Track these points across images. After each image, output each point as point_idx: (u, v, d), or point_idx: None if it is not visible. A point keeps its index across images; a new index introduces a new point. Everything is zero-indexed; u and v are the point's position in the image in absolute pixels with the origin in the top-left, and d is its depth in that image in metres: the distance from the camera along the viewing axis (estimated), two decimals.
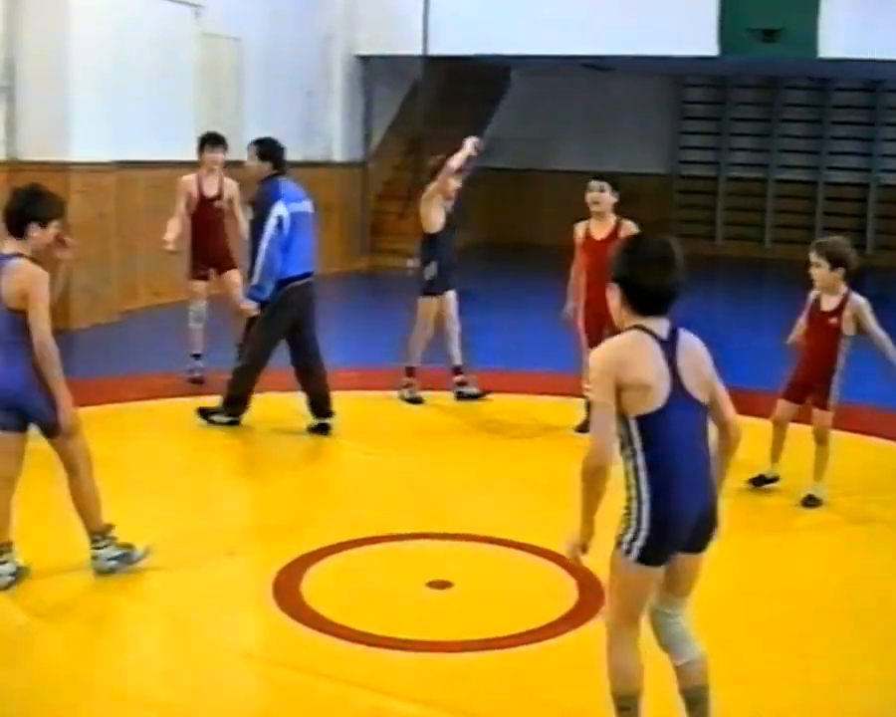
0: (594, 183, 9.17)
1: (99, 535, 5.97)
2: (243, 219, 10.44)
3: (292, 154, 17.53)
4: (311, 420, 8.99)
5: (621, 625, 4.31)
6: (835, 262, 7.32)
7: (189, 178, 10.75)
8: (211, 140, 10.92)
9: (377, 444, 8.76)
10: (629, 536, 4.11)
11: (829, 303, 7.42)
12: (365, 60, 19.27)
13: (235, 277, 10.59)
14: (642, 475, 4.06)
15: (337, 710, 4.77)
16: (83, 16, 13.30)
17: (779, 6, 16.81)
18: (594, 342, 8.25)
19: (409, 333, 10.32)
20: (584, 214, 9.34)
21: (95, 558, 5.98)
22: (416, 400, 10.05)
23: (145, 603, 5.80)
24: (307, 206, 9.27)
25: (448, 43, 18.24)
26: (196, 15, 15.44)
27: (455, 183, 10.23)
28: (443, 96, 20.90)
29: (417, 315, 10.31)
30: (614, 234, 8.79)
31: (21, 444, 5.79)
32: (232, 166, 11.07)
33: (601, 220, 9.09)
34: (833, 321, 7.39)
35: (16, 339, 5.60)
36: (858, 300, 7.39)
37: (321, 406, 9.04)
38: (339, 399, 10.38)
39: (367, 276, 19.38)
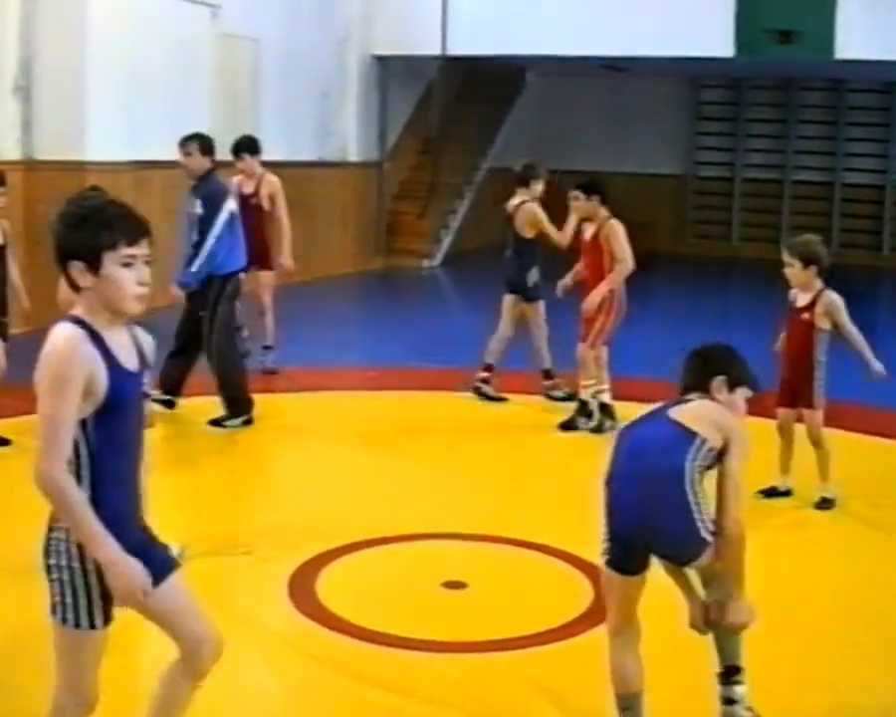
0: (570, 192, 9.47)
1: None
2: (285, 217, 10.90)
3: (307, 154, 17.85)
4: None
5: (615, 628, 4.44)
6: (807, 261, 7.35)
7: (234, 179, 10.93)
8: (236, 150, 11.08)
9: (392, 444, 8.77)
10: (603, 544, 4.49)
11: (802, 299, 7.43)
12: (382, 60, 19.27)
13: (267, 279, 10.97)
14: None
15: (353, 709, 4.78)
16: (99, 15, 13.34)
17: (795, 7, 16.78)
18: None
19: (529, 338, 10.39)
20: None
21: None
22: (568, 398, 9.93)
23: None
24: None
25: (465, 43, 18.23)
26: (213, 15, 15.46)
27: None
28: (459, 96, 20.91)
29: (534, 320, 10.28)
30: (596, 234, 9.24)
31: None
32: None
33: (588, 221, 9.42)
34: (806, 316, 7.38)
35: None
36: (832, 296, 7.37)
37: (173, 386, 9.25)
38: (352, 399, 10.43)
39: (382, 276, 19.39)
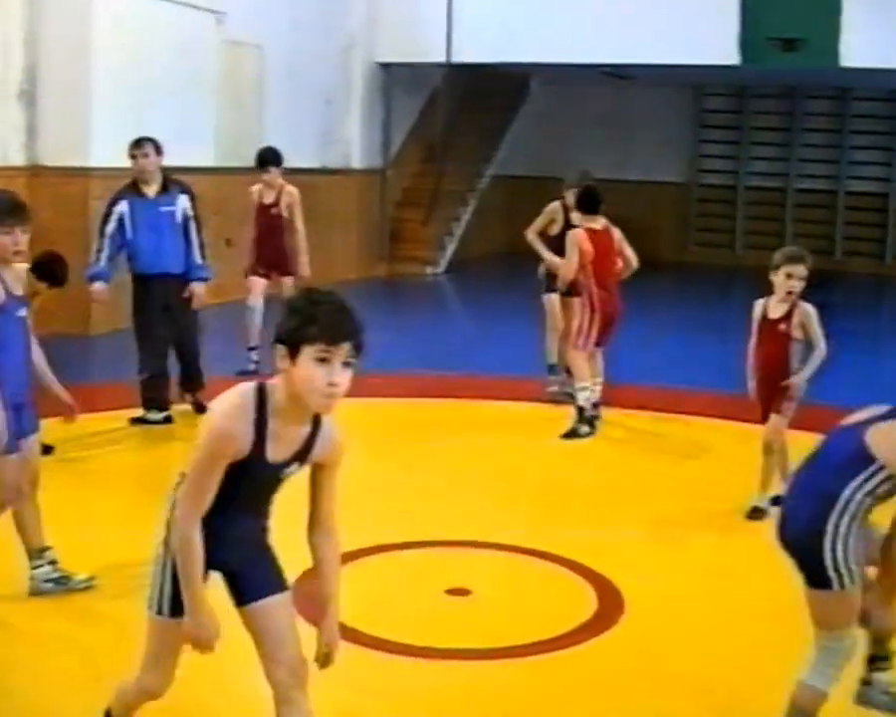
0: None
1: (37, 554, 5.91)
2: (301, 227, 11.18)
3: (311, 161, 17.85)
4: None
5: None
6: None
7: (255, 187, 11.38)
8: (262, 163, 11.30)
9: (396, 451, 8.77)
10: None
11: (777, 310, 7.31)
12: (386, 67, 19.30)
13: (287, 284, 11.21)
14: None
15: (350, 714, 4.77)
16: (104, 21, 13.37)
17: (800, 16, 16.79)
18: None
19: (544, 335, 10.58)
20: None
21: (32, 578, 5.90)
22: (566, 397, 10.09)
23: None
24: None
25: (469, 51, 18.27)
26: (218, 22, 15.47)
27: None
28: (463, 103, 20.93)
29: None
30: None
31: None
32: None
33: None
34: (783, 327, 7.30)
35: None
36: (807, 306, 7.30)
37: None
38: (357, 406, 10.41)
39: (386, 283, 19.40)
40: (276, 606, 3.83)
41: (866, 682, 4.59)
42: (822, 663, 4.20)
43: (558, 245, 10.12)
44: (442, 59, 18.55)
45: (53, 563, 5.89)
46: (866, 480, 4.08)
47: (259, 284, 11.33)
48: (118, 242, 9.31)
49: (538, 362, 10.75)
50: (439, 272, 20.32)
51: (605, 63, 18.41)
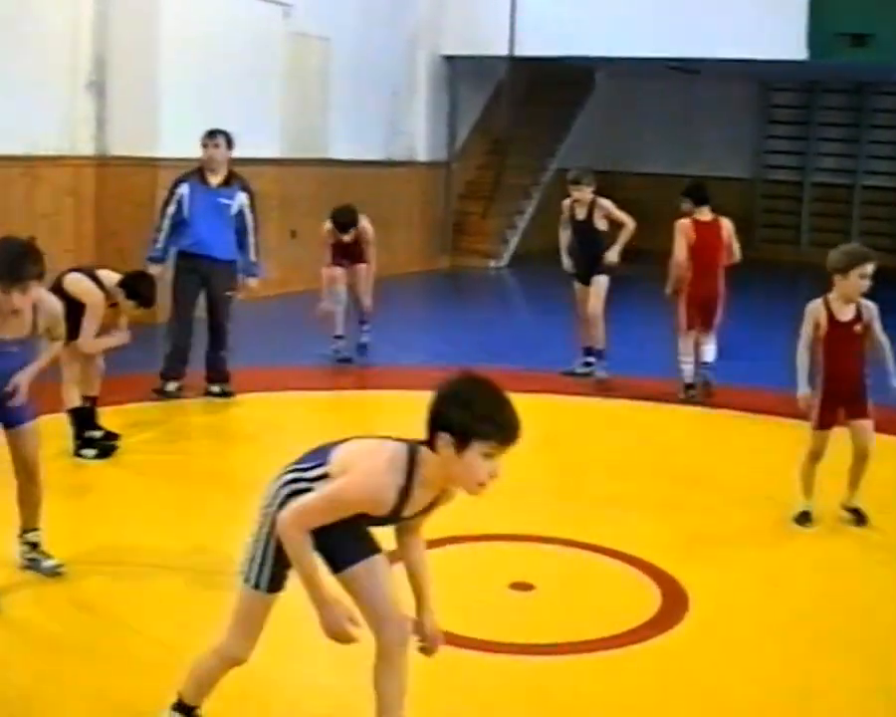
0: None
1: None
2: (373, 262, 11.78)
3: (376, 154, 17.89)
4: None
5: None
6: None
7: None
8: (344, 228, 11.61)
9: None
10: None
11: (847, 312, 7.07)
12: (451, 60, 19.30)
13: (363, 270, 11.76)
14: None
15: (416, 709, 4.76)
16: (173, 13, 13.48)
17: (869, 11, 16.61)
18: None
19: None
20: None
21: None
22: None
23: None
24: None
25: (534, 44, 18.22)
26: (285, 15, 15.54)
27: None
28: (527, 96, 20.89)
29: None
30: None
31: None
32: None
33: None
34: (857, 328, 7.07)
35: None
36: (870, 304, 7.12)
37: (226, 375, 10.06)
38: (418, 399, 10.44)
39: (449, 275, 19.41)
40: (373, 568, 3.98)
41: None
42: None
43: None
44: (506, 52, 18.53)
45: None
46: None
47: (340, 272, 11.67)
48: (177, 222, 9.83)
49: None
50: (502, 265, 20.30)
51: (671, 56, 18.32)
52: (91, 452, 8.02)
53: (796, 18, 16.86)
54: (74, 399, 8.01)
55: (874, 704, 4.96)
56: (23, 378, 5.69)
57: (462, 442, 3.59)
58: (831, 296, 7.10)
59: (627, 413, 10.04)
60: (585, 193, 10.61)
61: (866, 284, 7.03)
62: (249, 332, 12.99)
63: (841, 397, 7.16)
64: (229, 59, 14.28)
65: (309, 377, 10.79)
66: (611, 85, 22.64)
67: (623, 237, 10.65)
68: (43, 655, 5.13)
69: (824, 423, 7.20)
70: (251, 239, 10.01)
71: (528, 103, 20.86)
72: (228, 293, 9.99)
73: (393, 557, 4.08)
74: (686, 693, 5.01)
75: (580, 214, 10.77)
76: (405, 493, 3.73)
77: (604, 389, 10.57)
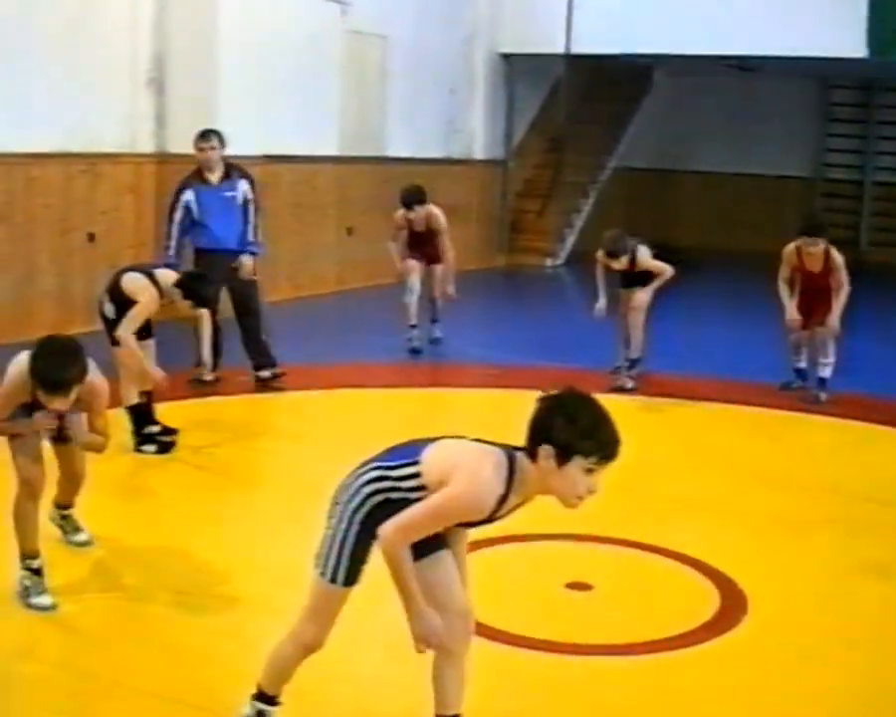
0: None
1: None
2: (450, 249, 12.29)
3: (433, 151, 17.91)
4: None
5: None
6: None
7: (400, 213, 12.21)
8: (408, 204, 11.99)
9: (513, 441, 8.75)
10: None
11: None
12: (508, 58, 19.29)
13: (439, 271, 12.29)
14: None
15: (471, 706, 4.77)
16: (231, 10, 13.54)
17: None
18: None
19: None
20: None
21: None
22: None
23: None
24: None
25: (591, 42, 18.18)
26: (343, 13, 15.58)
27: None
28: (585, 94, 20.84)
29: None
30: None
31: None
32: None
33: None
34: None
35: None
36: None
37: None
38: (477, 396, 10.46)
39: (505, 274, 19.40)
40: (439, 562, 4.03)
41: None
42: None
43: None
44: (563, 50, 18.49)
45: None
46: None
47: (416, 267, 12.05)
48: (185, 227, 10.23)
49: (653, 357, 10.75)
50: (558, 264, 20.26)
51: (729, 54, 18.21)
52: (151, 448, 8.09)
53: (856, 15, 16.71)
54: (132, 397, 8.08)
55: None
56: (78, 428, 5.63)
57: (564, 456, 3.68)
58: None
59: (681, 413, 9.99)
60: (623, 262, 10.40)
61: None
62: (306, 329, 13.07)
63: None
64: (287, 56, 14.34)
65: (365, 375, 10.82)
66: (669, 83, 22.51)
67: (659, 281, 10.44)
68: (95, 651, 5.18)
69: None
70: (251, 221, 10.35)
71: (585, 100, 20.80)
72: (252, 277, 10.32)
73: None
74: (742, 697, 4.97)
75: (619, 266, 10.54)
76: (502, 500, 3.79)
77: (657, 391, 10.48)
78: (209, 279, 8.49)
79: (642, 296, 10.50)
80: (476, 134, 19.09)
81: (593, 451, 3.66)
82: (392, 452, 4.01)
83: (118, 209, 13.06)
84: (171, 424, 8.37)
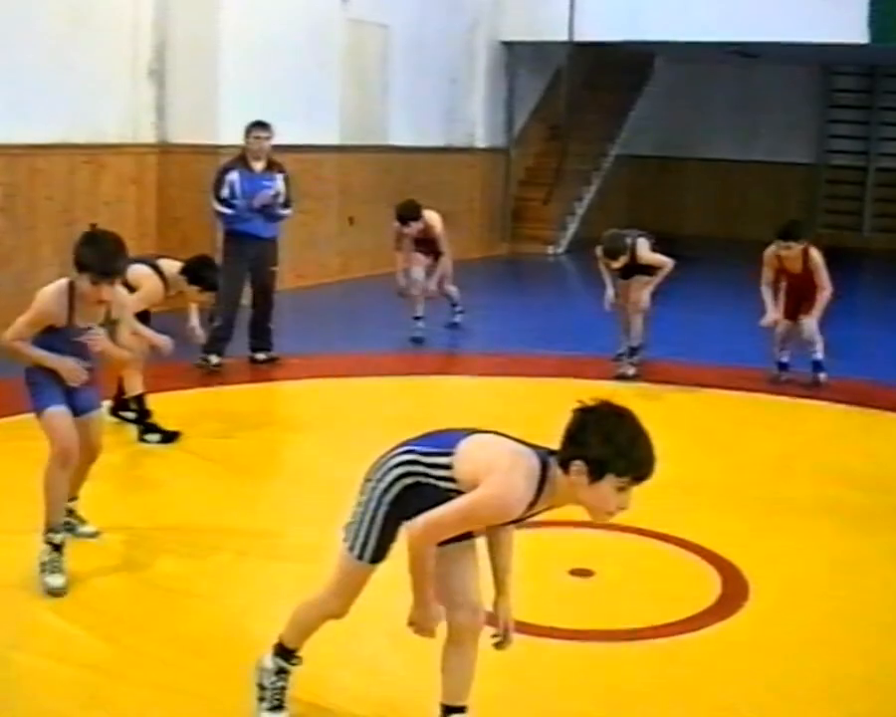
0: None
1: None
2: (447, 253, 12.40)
3: (435, 140, 17.90)
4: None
5: None
6: None
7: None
8: (402, 220, 12.13)
9: (518, 431, 8.75)
10: None
11: None
12: (510, 46, 19.27)
13: (439, 267, 12.40)
14: None
15: (479, 694, 4.79)
16: (232, 1, 13.55)
17: None
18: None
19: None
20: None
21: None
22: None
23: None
24: None
25: (593, 29, 18.18)
26: (344, 2, 15.57)
27: None
28: (586, 82, 20.83)
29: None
30: None
31: None
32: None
33: None
34: None
35: None
36: None
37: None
38: (482, 384, 10.47)
39: (508, 262, 19.40)
40: (461, 553, 4.05)
41: None
42: None
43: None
44: (565, 37, 18.48)
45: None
46: None
47: (421, 257, 12.24)
48: (231, 203, 10.54)
49: (654, 345, 10.76)
50: (560, 252, 20.27)
51: (731, 41, 18.20)
52: (154, 437, 8.11)
53: (858, 1, 16.70)
54: (136, 387, 8.10)
55: None
56: (103, 342, 5.80)
57: (597, 474, 3.67)
58: None
59: (683, 400, 10.00)
60: (621, 261, 10.43)
61: None
62: (308, 318, 13.08)
63: None
64: (288, 46, 14.34)
65: (367, 364, 10.84)
66: (671, 70, 22.51)
67: (659, 278, 10.46)
68: (116, 634, 5.20)
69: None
70: (282, 212, 10.80)
71: (587, 88, 20.80)
72: (273, 268, 10.77)
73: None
74: (744, 682, 4.98)
75: (619, 265, 10.55)
76: (532, 505, 3.81)
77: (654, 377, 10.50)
78: (213, 263, 8.51)
79: (642, 296, 10.49)
80: (477, 123, 19.08)
81: (627, 471, 3.64)
82: (429, 438, 4.04)
83: (121, 200, 13.09)
84: (176, 413, 8.39)
